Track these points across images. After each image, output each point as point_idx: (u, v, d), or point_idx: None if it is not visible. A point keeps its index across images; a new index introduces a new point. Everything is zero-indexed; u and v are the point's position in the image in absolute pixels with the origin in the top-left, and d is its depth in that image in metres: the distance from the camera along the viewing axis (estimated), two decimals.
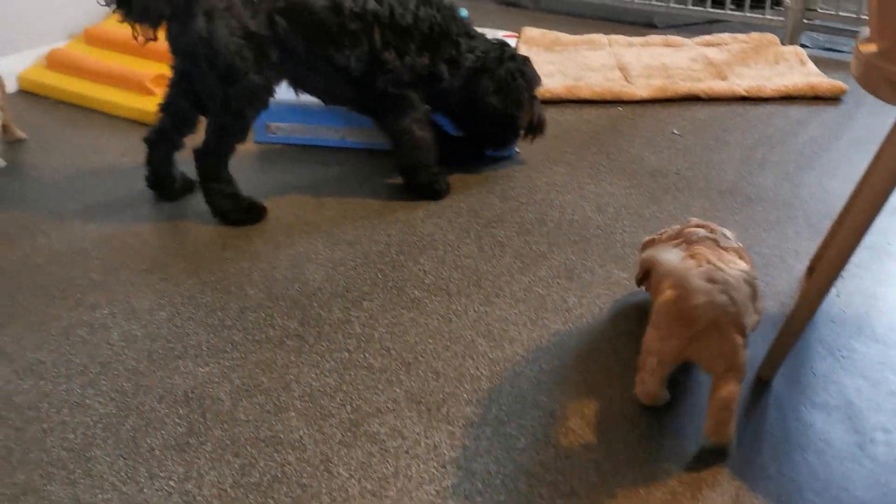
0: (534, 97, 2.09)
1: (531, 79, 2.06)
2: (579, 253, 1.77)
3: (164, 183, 1.93)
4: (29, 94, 2.50)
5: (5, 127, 2.14)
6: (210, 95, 1.80)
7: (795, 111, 2.53)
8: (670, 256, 1.30)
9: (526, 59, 2.09)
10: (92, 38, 2.60)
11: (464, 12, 3.35)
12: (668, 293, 1.24)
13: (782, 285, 1.67)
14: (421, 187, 1.99)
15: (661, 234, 1.53)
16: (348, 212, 1.92)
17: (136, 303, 1.56)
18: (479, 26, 3.04)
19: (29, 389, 1.34)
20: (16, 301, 1.55)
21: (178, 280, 1.64)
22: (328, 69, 1.86)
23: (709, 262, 1.26)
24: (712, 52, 2.94)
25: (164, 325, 1.51)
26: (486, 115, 2.04)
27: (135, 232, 1.80)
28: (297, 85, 1.93)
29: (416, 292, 1.63)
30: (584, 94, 2.57)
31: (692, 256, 1.29)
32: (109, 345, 1.45)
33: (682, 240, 1.40)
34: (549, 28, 3.23)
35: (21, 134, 2.18)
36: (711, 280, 1.21)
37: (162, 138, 1.91)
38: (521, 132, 2.10)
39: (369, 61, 1.87)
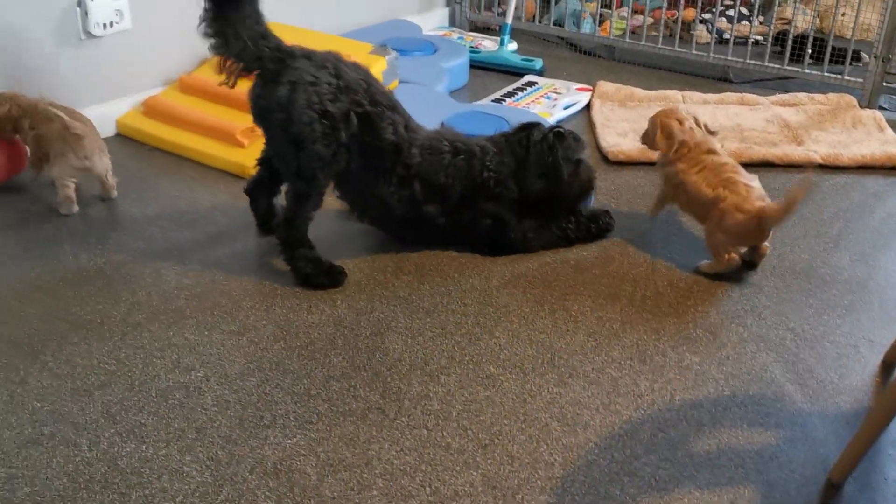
0: (578, 162, 2.12)
1: (566, 150, 2.10)
2: (652, 333, 1.81)
3: (271, 224, 2.09)
4: (126, 139, 2.64)
5: (102, 181, 2.27)
6: (283, 160, 1.91)
7: (872, 183, 2.52)
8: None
9: (556, 137, 2.09)
10: (186, 87, 2.73)
11: (539, 63, 3.42)
12: (741, 216, 1.94)
13: (856, 379, 1.68)
14: (510, 244, 2.07)
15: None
16: (425, 277, 1.99)
17: (228, 367, 1.66)
18: (554, 77, 3.10)
19: (131, 453, 1.44)
20: (119, 360, 1.66)
21: (266, 344, 1.73)
22: (374, 193, 1.98)
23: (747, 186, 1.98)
24: (788, 114, 2.94)
25: (253, 391, 1.60)
26: (543, 199, 2.10)
27: (225, 291, 1.90)
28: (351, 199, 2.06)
29: (491, 368, 1.69)
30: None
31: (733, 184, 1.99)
32: (204, 409, 1.55)
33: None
34: (624, 79, 3.27)
35: (114, 193, 2.30)
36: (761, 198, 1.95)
37: (260, 188, 2.10)
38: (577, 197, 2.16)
39: (412, 208, 1.99)
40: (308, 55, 1.90)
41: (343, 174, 1.95)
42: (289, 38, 2.93)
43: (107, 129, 2.63)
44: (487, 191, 2.03)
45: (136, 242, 2.08)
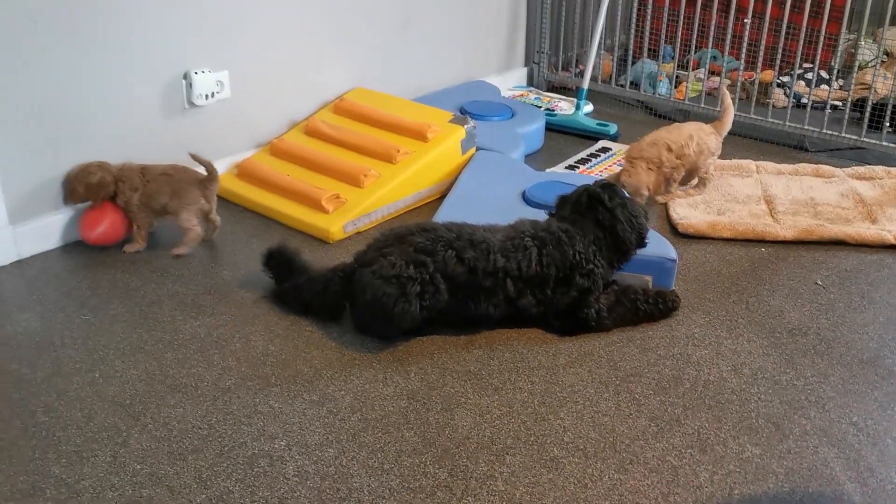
0: (635, 216, 2.22)
1: (622, 198, 2.22)
2: (713, 421, 1.86)
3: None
4: (220, 200, 2.82)
5: (210, 219, 2.53)
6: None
7: None
8: None
9: (608, 189, 2.21)
10: (276, 150, 2.91)
11: (613, 128, 3.50)
12: None
13: None
14: (584, 321, 2.15)
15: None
16: (495, 352, 2.09)
17: (308, 437, 1.79)
18: (628, 142, 3.17)
19: None
20: (210, 425, 1.81)
21: (344, 415, 1.85)
22: (473, 314, 2.13)
23: None
24: (864, 188, 2.93)
25: (331, 463, 1.72)
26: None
27: (308, 360, 2.04)
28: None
29: (555, 450, 1.77)
30: (727, 233, 2.64)
31: None
32: (286, 479, 1.67)
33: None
34: None
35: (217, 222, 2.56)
36: None
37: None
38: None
39: (508, 307, 2.12)
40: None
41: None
42: (373, 104, 3.11)
43: None
44: (581, 269, 2.13)
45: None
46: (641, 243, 2.23)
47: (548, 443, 1.79)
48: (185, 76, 2.67)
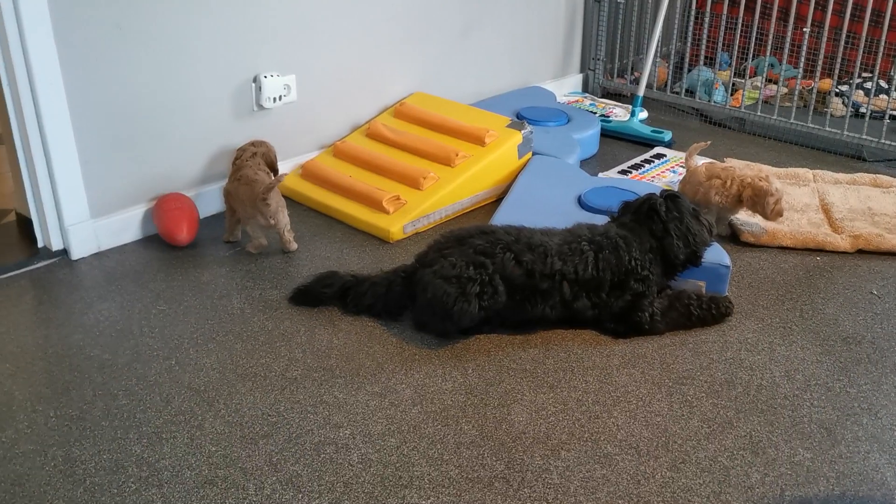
0: (693, 232, 2.24)
1: (687, 210, 2.25)
2: (765, 424, 1.89)
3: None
4: (286, 200, 2.94)
5: (281, 236, 2.59)
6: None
7: None
8: None
9: (673, 200, 2.25)
10: (339, 152, 3.01)
11: (668, 135, 3.53)
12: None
13: None
14: (638, 325, 2.20)
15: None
16: (550, 351, 2.15)
17: (371, 426, 1.87)
18: (682, 149, 3.20)
19: (289, 501, 1.67)
20: (279, 412, 1.91)
21: (405, 407, 1.93)
22: (529, 315, 2.19)
23: None
24: None
25: (393, 452, 1.80)
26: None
27: (370, 353, 2.13)
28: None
29: (608, 447, 1.82)
30: (786, 241, 2.66)
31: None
32: (350, 466, 1.76)
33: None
34: (754, 153, 3.33)
35: (292, 246, 2.60)
36: None
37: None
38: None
39: (564, 309, 2.18)
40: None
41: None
42: (432, 108, 3.20)
43: None
44: (636, 275, 2.18)
45: (295, 299, 2.34)
46: (693, 260, 2.24)
47: (601, 440, 1.85)
48: (255, 79, 2.79)
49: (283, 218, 2.53)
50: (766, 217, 2.60)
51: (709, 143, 2.85)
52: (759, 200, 2.58)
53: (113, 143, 2.52)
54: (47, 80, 2.32)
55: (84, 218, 2.51)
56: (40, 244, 2.53)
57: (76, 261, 2.52)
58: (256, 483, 1.70)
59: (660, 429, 1.88)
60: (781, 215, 2.60)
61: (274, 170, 2.67)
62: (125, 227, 2.62)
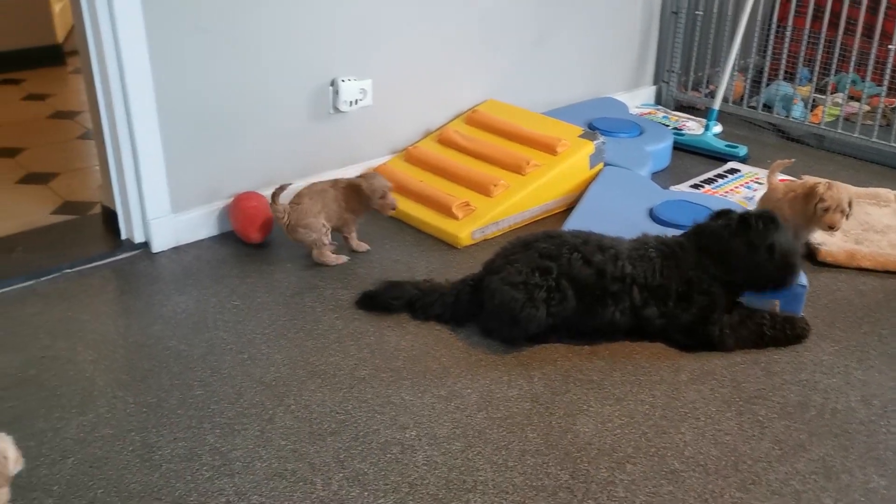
0: (771, 246, 2.15)
1: (754, 236, 2.15)
2: (839, 449, 1.85)
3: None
4: None
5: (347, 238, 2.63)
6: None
7: None
8: None
9: (742, 223, 2.16)
10: (411, 157, 3.05)
11: (743, 150, 3.47)
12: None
13: None
14: (707, 340, 2.17)
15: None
16: (617, 364, 2.14)
17: (437, 429, 1.89)
18: (758, 165, 3.14)
19: (356, 498, 1.69)
20: (347, 411, 1.94)
21: (471, 412, 1.95)
22: (599, 320, 2.17)
23: None
24: None
25: (458, 455, 1.81)
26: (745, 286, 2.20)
27: (436, 357, 2.15)
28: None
29: (675, 463, 1.80)
30: (866, 263, 2.58)
31: None
32: (416, 467, 1.78)
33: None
34: (832, 171, 3.25)
35: (363, 247, 2.64)
36: None
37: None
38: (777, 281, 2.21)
39: (632, 316, 2.15)
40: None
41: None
42: (504, 116, 3.21)
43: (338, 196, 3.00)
44: (697, 287, 2.15)
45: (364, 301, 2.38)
46: (756, 272, 2.15)
47: (668, 455, 1.82)
48: (333, 83, 2.85)
49: (308, 236, 2.52)
50: (812, 223, 2.51)
51: (793, 160, 2.78)
52: (809, 202, 2.49)
53: (195, 141, 2.60)
54: (138, 79, 2.41)
55: (165, 213, 2.60)
56: (123, 236, 2.63)
57: (156, 254, 2.60)
58: (324, 478, 1.74)
59: (729, 448, 1.85)
60: (834, 228, 2.47)
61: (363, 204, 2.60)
62: (202, 223, 2.70)
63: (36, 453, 1.78)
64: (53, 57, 4.45)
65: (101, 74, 2.42)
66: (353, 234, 2.63)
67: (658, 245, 2.21)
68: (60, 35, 4.49)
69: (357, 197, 2.56)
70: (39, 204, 2.91)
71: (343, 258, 2.58)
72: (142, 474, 1.74)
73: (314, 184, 2.58)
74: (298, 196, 2.54)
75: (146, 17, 2.37)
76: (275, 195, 2.51)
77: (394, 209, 2.57)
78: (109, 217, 2.67)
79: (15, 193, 2.99)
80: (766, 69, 3.79)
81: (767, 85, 3.82)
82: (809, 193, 2.48)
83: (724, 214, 2.21)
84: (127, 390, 1.98)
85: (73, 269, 2.48)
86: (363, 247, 2.65)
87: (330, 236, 2.55)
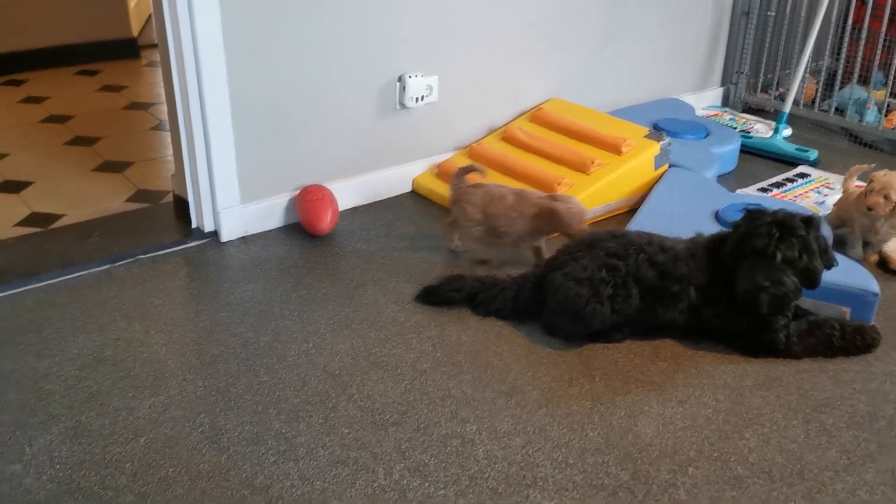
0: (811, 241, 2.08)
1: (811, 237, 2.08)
2: None
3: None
4: (419, 197, 3.02)
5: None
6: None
7: None
8: None
9: (808, 223, 2.08)
10: (474, 154, 3.06)
11: (813, 154, 3.39)
12: None
13: None
14: (772, 345, 2.13)
15: None
16: (680, 366, 2.12)
17: (497, 424, 1.90)
18: (829, 170, 3.08)
19: (417, 488, 1.72)
20: (408, 402, 1.97)
21: (531, 408, 1.95)
22: (660, 319, 2.17)
23: None
24: None
25: (518, 451, 1.82)
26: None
27: (498, 352, 2.16)
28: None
29: (739, 469, 1.78)
30: None
31: None
32: (476, 460, 1.79)
33: None
34: None
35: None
36: None
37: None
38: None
39: (691, 316, 2.14)
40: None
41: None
42: (569, 115, 3.20)
43: (404, 188, 3.04)
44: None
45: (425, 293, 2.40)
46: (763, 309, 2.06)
47: (731, 460, 1.80)
48: (400, 79, 2.88)
49: (456, 214, 2.57)
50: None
51: (873, 165, 2.71)
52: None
53: (264, 134, 2.66)
54: (213, 72, 2.48)
55: (235, 203, 2.66)
56: (193, 225, 2.70)
57: (224, 243, 2.67)
58: (385, 468, 1.76)
59: (795, 456, 1.82)
60: (872, 209, 2.50)
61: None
62: (270, 214, 2.76)
63: (110, 431, 1.85)
64: (129, 50, 4.59)
65: (178, 67, 2.49)
66: (535, 248, 2.56)
67: (708, 244, 2.19)
68: (135, 29, 4.63)
69: (550, 219, 2.46)
70: (115, 191, 3.01)
71: (458, 245, 2.61)
72: (210, 455, 1.79)
73: (502, 185, 2.59)
74: (481, 185, 2.57)
75: (223, 11, 2.43)
76: (462, 170, 2.58)
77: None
78: (181, 206, 2.75)
79: (92, 180, 3.10)
80: (840, 72, 3.70)
81: (840, 88, 3.72)
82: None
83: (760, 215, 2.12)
84: (197, 374, 2.04)
85: (147, 256, 2.57)
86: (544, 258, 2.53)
87: (478, 234, 2.54)
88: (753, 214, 2.10)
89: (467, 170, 2.58)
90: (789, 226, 2.04)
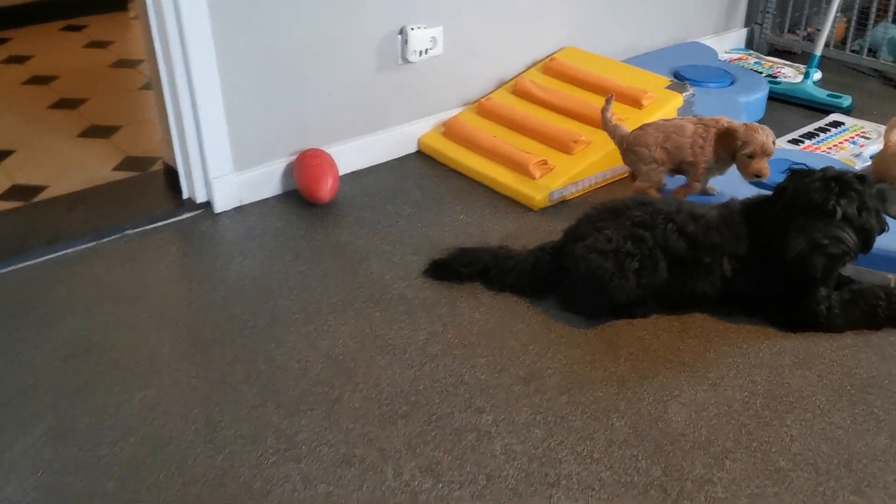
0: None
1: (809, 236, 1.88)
2: None
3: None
4: (425, 157, 2.83)
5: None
6: None
7: None
8: None
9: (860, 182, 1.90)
10: (483, 110, 2.86)
11: (847, 100, 3.18)
12: None
13: None
14: (813, 318, 1.96)
15: None
16: (711, 343, 1.96)
17: (515, 414, 1.75)
18: (863, 117, 2.88)
19: (429, 490, 1.57)
20: (419, 391, 1.82)
21: (551, 395, 1.80)
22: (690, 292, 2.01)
23: None
24: None
25: (539, 444, 1.67)
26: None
27: (514, 332, 2.00)
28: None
29: (781, 461, 1.63)
30: None
31: None
32: (493, 456, 1.65)
33: None
34: None
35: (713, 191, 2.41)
36: None
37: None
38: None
39: (723, 286, 1.97)
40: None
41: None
42: (584, 65, 2.98)
43: (408, 148, 2.84)
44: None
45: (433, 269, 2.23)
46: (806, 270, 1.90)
47: (772, 451, 1.65)
48: (402, 31, 2.66)
49: (635, 164, 2.41)
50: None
51: None
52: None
53: (257, 94, 2.46)
54: (197, 26, 2.27)
55: (228, 171, 2.48)
56: (185, 195, 2.53)
57: (218, 214, 2.50)
58: (395, 467, 1.62)
59: (841, 444, 1.67)
60: None
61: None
62: (266, 181, 2.58)
63: (97, 430, 1.71)
64: (116, 1, 4.36)
65: (157, 20, 2.28)
66: (699, 184, 2.36)
67: (743, 209, 2.01)
68: None
69: (725, 142, 2.27)
70: (102, 159, 2.83)
71: (712, 187, 2.41)
72: (206, 456, 1.65)
73: (670, 119, 2.43)
74: (647, 124, 2.39)
75: None
76: (607, 104, 2.44)
77: (758, 177, 2.24)
78: (171, 174, 2.57)
79: (77, 147, 2.92)
80: (874, 9, 3.44)
81: (874, 26, 3.47)
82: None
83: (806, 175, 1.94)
84: (190, 363, 1.90)
85: (136, 230, 2.40)
86: (713, 190, 2.40)
87: (663, 174, 2.38)
88: (801, 173, 1.92)
89: (609, 101, 2.42)
90: (846, 181, 1.86)
